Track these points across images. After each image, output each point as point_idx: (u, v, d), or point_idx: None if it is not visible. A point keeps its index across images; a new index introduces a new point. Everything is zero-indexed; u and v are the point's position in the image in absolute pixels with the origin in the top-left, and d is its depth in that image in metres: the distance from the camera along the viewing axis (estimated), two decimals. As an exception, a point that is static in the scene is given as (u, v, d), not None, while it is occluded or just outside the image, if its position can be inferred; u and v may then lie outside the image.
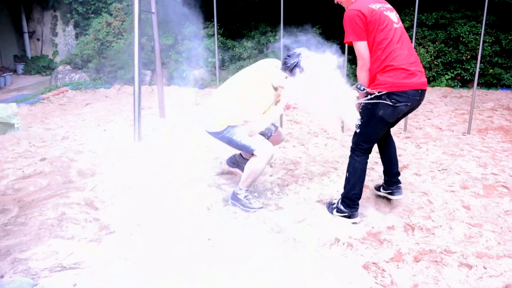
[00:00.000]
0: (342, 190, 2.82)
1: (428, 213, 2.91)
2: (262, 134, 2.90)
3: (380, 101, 2.45)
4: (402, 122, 5.05)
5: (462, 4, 8.34)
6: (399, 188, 2.96)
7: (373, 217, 2.84)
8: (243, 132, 2.80)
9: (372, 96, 2.48)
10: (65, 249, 2.45)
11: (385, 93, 2.44)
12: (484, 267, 2.26)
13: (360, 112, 2.57)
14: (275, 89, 2.81)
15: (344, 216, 2.76)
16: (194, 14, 8.66)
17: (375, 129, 2.61)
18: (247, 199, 2.92)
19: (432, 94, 7.37)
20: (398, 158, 3.13)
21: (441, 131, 5.09)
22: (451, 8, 8.32)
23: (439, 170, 3.70)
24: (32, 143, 4.57)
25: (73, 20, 9.70)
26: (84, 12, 9.50)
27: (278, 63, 2.85)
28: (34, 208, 2.98)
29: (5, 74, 8.37)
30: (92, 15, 9.40)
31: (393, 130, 4.78)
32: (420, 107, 4.84)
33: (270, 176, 3.60)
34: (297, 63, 2.63)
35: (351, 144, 2.71)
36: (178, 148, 4.39)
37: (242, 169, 3.13)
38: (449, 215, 2.88)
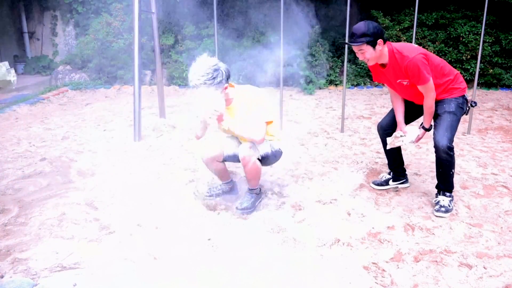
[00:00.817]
0: (447, 188, 2.95)
1: (428, 213, 2.91)
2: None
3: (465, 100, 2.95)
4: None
5: (462, 4, 8.33)
6: (407, 178, 3.40)
7: (373, 217, 2.84)
8: None
9: (458, 98, 2.90)
10: (65, 249, 2.45)
11: (465, 94, 2.94)
12: (484, 267, 2.26)
13: (451, 113, 2.84)
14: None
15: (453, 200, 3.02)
16: (194, 13, 8.66)
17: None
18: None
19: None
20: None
21: (441, 131, 5.09)
22: (451, 8, 8.31)
23: (439, 170, 3.70)
24: (32, 143, 4.57)
25: (73, 20, 9.70)
26: (84, 12, 9.49)
27: None
28: (34, 208, 2.98)
29: (5, 74, 8.34)
30: (92, 15, 9.40)
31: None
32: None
33: (270, 176, 3.60)
34: None
35: (444, 144, 2.75)
36: (178, 148, 4.39)
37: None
38: (449, 215, 2.88)
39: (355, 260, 2.35)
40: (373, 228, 2.70)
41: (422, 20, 8.10)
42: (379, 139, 4.68)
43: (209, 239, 2.57)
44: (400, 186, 3.33)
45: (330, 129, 5.14)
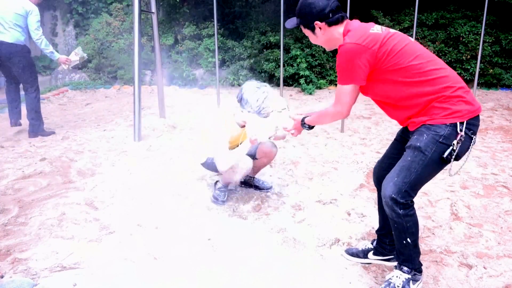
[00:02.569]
0: (403, 262, 2.01)
1: (428, 213, 2.91)
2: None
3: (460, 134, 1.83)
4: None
5: (462, 4, 8.34)
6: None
7: (373, 217, 2.84)
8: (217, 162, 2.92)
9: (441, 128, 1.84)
10: (65, 249, 2.45)
11: (463, 123, 1.84)
12: (484, 267, 2.26)
13: (416, 149, 1.86)
14: (242, 125, 2.96)
15: (420, 282, 2.04)
16: (194, 14, 8.65)
17: (438, 170, 1.92)
18: (219, 190, 3.11)
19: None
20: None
21: (441, 131, 5.09)
22: (451, 8, 8.32)
23: (439, 170, 3.70)
24: (32, 143, 4.57)
25: (73, 20, 9.70)
26: (84, 12, 9.50)
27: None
28: (34, 208, 2.98)
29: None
30: (92, 15, 9.40)
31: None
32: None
33: (270, 176, 3.60)
34: (241, 96, 2.80)
35: (387, 194, 1.86)
36: (178, 148, 4.39)
37: (248, 184, 3.38)
38: (449, 215, 2.88)
39: (355, 260, 2.35)
40: (373, 228, 2.70)
41: (422, 20, 8.11)
42: (379, 139, 4.70)
43: (209, 239, 2.57)
44: (384, 263, 2.31)
45: (330, 129, 5.14)
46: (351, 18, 2.18)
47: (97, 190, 3.31)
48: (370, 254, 2.32)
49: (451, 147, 1.83)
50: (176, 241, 2.55)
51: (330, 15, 1.96)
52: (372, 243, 2.36)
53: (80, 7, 9.46)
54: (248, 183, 3.34)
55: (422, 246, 2.49)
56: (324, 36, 2.03)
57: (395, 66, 1.86)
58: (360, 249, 2.36)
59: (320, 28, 2.00)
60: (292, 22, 2.11)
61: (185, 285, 2.13)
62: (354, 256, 2.35)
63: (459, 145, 1.84)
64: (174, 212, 2.94)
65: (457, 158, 1.89)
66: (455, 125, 1.82)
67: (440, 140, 1.83)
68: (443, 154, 1.84)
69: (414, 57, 1.87)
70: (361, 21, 2.04)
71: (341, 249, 2.46)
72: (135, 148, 4.40)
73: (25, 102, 4.75)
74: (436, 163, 1.86)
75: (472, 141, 1.89)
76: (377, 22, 8.09)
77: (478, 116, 1.90)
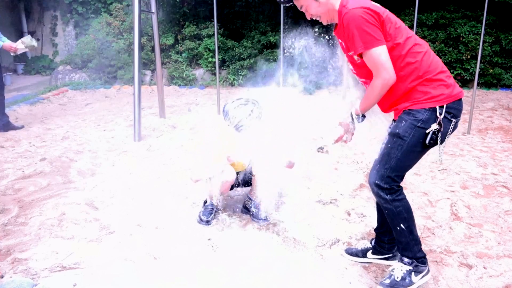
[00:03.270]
0: (402, 252, 2.06)
1: (428, 213, 2.91)
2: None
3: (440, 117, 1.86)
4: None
5: (462, 4, 8.33)
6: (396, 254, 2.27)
7: (373, 217, 2.84)
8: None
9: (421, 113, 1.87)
10: (65, 249, 2.45)
11: (442, 107, 1.87)
12: (484, 267, 2.26)
13: (395, 136, 1.92)
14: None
15: (426, 274, 2.05)
16: (194, 14, 8.65)
17: (419, 154, 1.96)
18: (205, 208, 2.85)
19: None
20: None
21: (441, 131, 5.08)
22: (451, 8, 8.32)
23: (439, 170, 3.70)
24: (32, 143, 4.57)
25: (73, 20, 9.70)
26: (84, 12, 9.49)
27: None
28: (34, 208, 2.98)
29: (5, 74, 8.34)
30: (92, 15, 9.40)
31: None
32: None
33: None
34: (224, 106, 2.66)
35: (371, 181, 1.96)
36: (178, 148, 4.39)
37: (248, 210, 2.92)
38: (449, 215, 2.88)
39: (355, 260, 2.35)
40: (373, 228, 2.70)
41: (422, 20, 8.10)
42: (379, 139, 4.69)
43: (209, 239, 2.57)
44: (383, 262, 2.31)
45: (330, 129, 5.14)
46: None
47: (97, 190, 3.31)
48: (369, 254, 2.33)
49: (431, 131, 1.85)
50: (176, 241, 2.55)
51: None
52: (371, 243, 2.37)
53: (80, 7, 9.46)
54: (246, 207, 2.94)
55: (422, 246, 2.48)
56: (326, 4, 1.93)
57: (395, 39, 1.86)
58: (360, 248, 2.37)
59: None
60: None
61: (185, 285, 2.13)
62: (354, 256, 2.36)
63: (440, 128, 1.86)
64: (174, 212, 2.94)
65: (439, 141, 1.92)
66: (434, 109, 1.86)
67: (418, 124, 1.87)
68: (423, 138, 1.87)
69: (407, 37, 1.90)
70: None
71: (341, 249, 2.46)
72: (135, 148, 4.40)
73: None
74: (415, 147, 1.90)
75: (452, 124, 1.90)
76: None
77: (459, 100, 1.92)
